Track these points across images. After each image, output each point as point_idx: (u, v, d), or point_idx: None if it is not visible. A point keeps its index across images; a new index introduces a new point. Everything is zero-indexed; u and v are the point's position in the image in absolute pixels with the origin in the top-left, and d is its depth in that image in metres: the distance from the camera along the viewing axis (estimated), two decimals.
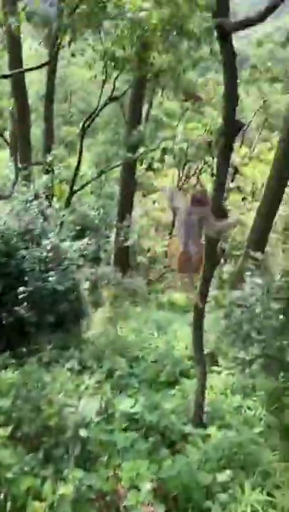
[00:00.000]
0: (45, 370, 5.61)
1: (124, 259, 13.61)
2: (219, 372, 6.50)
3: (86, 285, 9.01)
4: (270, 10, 4.06)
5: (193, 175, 20.55)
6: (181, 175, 20.34)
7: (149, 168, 23.03)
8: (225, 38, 4.28)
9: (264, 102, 20.65)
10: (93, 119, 13.21)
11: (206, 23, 8.72)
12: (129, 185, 14.16)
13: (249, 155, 24.28)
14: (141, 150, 13.14)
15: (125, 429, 4.88)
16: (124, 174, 13.89)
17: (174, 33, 9.29)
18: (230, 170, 21.27)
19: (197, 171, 20.51)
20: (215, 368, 6.63)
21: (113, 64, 10.60)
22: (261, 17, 4.10)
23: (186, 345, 7.29)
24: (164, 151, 15.61)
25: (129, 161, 13.30)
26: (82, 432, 4.23)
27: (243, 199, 23.29)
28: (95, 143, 20.18)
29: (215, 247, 5.07)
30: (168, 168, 23.01)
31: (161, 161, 17.10)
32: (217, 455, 4.41)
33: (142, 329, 7.98)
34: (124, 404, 5.25)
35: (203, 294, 5.08)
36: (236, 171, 21.78)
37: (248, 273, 7.14)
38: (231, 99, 4.49)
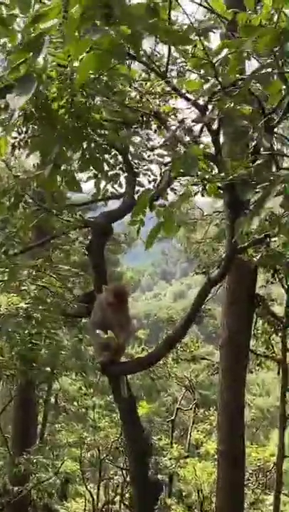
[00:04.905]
0: None
1: None
2: None
3: None
4: None
5: (115, 496, 14.55)
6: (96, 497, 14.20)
7: None
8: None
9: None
10: None
11: None
12: None
13: (185, 448, 19.21)
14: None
15: None
16: None
17: None
18: (165, 479, 16.06)
19: (119, 487, 14.84)
20: None
21: None
22: None
23: None
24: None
25: None
26: None
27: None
28: None
29: None
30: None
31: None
32: None
33: None
34: None
35: None
36: (171, 478, 16.51)
37: None
38: None
